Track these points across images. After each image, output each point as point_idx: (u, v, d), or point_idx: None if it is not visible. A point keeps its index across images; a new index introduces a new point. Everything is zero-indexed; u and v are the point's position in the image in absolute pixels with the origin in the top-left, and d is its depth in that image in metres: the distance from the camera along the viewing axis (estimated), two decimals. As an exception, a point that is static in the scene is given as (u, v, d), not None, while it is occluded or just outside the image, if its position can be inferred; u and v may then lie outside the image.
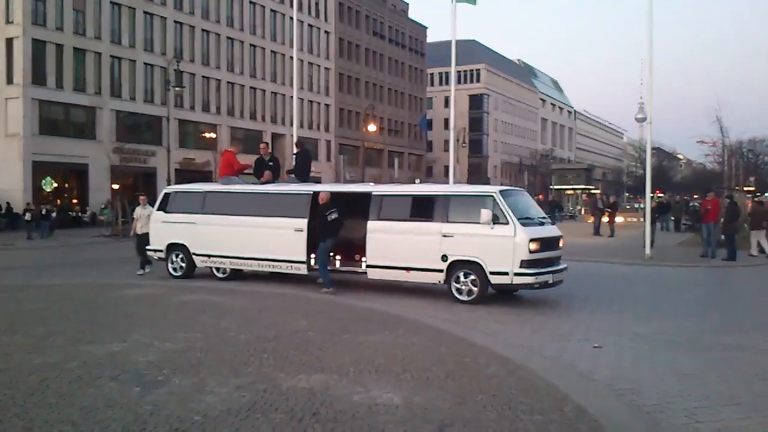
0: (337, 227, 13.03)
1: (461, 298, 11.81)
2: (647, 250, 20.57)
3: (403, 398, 5.88)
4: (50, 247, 27.22)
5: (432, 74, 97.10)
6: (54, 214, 40.39)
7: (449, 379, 6.55)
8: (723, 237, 20.90)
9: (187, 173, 46.27)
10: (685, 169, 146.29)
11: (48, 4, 42.77)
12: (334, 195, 13.52)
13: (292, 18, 37.50)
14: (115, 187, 44.37)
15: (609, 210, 32.24)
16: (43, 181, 40.42)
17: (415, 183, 54.28)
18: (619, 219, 32.61)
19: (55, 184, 42.91)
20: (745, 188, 59.92)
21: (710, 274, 17.72)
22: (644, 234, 21.61)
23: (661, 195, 56.00)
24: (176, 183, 35.33)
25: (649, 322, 10.39)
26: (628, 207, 71.60)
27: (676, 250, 23.30)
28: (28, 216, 32.11)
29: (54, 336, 8.44)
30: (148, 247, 15.61)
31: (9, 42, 41.68)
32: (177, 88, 37.73)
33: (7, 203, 36.48)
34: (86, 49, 45.05)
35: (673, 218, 34.98)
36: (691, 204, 41.43)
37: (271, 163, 15.44)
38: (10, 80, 41.65)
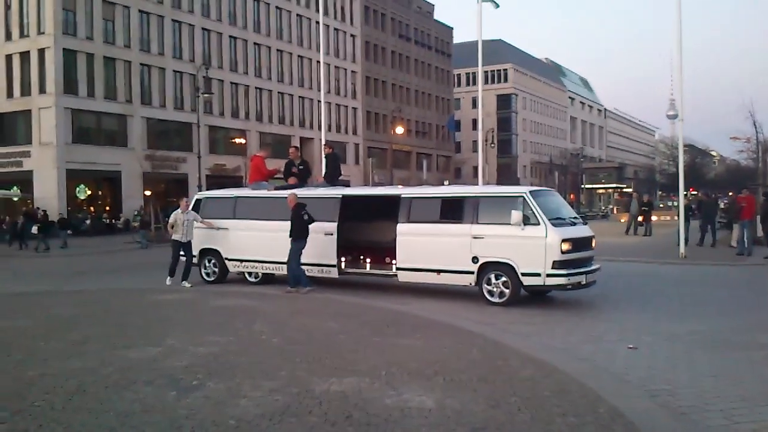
0: (307, 228, 13.07)
1: (493, 300, 11.75)
2: (682, 249, 20.27)
3: (436, 401, 5.87)
4: (81, 254, 27.61)
5: (459, 75, 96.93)
6: (88, 221, 41.14)
7: (482, 381, 6.52)
8: (763, 234, 20.49)
9: (218, 179, 46.73)
10: (718, 166, 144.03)
11: (78, 14, 43.55)
12: (353, 197, 13.66)
13: (318, 22, 37.78)
14: (147, 193, 44.96)
15: (645, 209, 31.87)
16: (77, 189, 41.11)
17: (443, 184, 54.17)
18: (653, 218, 32.17)
19: (89, 192, 43.63)
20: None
21: (747, 273, 17.38)
22: (678, 232, 21.31)
23: (695, 192, 55.16)
24: (207, 189, 35.70)
25: (684, 322, 10.23)
26: (661, 205, 70.70)
27: (711, 248, 22.92)
28: (35, 228, 29.52)
29: (90, 341, 8.57)
30: (182, 253, 15.63)
31: (41, 52, 42.50)
32: (206, 95, 38.20)
33: (44, 211, 37.00)
34: (116, 58, 45.77)
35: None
36: (724, 201, 40.59)
37: (301, 167, 15.52)
38: (42, 90, 42.46)
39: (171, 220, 14.87)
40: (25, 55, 43.29)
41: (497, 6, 23.57)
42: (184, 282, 14.58)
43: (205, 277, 15.21)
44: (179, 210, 14.86)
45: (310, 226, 13.10)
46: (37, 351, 8.13)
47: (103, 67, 44.83)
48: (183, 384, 6.48)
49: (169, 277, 14.77)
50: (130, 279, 17.20)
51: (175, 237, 14.72)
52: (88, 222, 41.24)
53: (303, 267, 13.34)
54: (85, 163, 42.51)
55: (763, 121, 59.30)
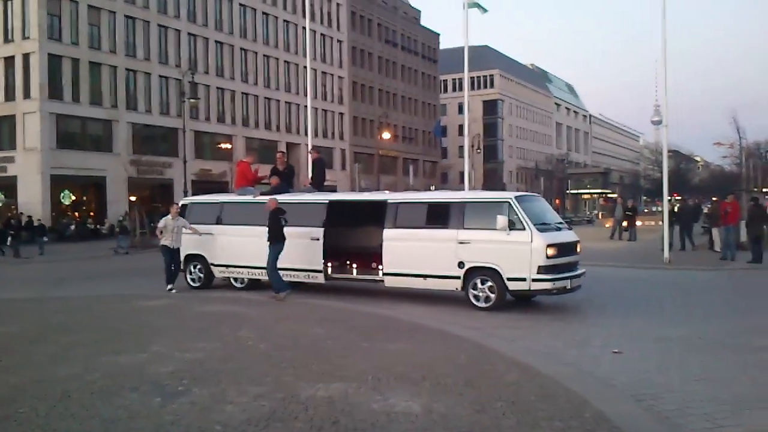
0: (283, 232, 13.10)
1: (479, 304, 11.78)
2: (666, 254, 20.42)
3: (423, 406, 5.88)
4: (59, 260, 27.42)
5: (445, 81, 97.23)
6: (72, 227, 40.83)
7: (468, 386, 6.54)
8: (747, 239, 20.72)
9: (203, 184, 46.59)
10: (702, 171, 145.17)
11: (63, 19, 43.31)
12: (339, 203, 13.71)
13: (304, 28, 37.76)
14: (133, 198, 44.74)
15: (629, 214, 32.06)
16: (62, 195, 40.82)
17: (430, 190, 54.22)
18: (637, 223, 32.38)
19: (74, 197, 43.33)
20: (764, 189, 59.33)
21: (731, 277, 17.54)
22: (662, 238, 21.47)
23: (679, 198, 55.60)
24: (193, 194, 35.56)
25: (670, 327, 10.30)
26: (646, 210, 71.04)
27: (695, 253, 23.10)
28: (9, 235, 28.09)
29: (75, 347, 8.53)
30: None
31: (26, 57, 42.22)
32: (192, 100, 38.03)
33: (29, 217, 36.72)
34: (102, 63, 45.54)
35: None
36: (707, 206, 40.87)
37: (286, 172, 15.53)
38: (27, 95, 42.17)
39: (160, 225, 14.68)
40: (9, 60, 42.98)
41: (485, 11, 23.59)
42: (170, 286, 14.46)
43: (191, 282, 15.16)
44: (169, 216, 14.71)
45: (297, 231, 13.09)
46: (21, 357, 8.08)
47: (88, 72, 44.58)
48: (168, 390, 6.46)
49: (169, 285, 14.46)
50: (110, 285, 17.03)
51: (164, 242, 14.51)
52: (72, 228, 40.93)
53: (288, 272, 13.34)
54: (69, 168, 42.22)
55: (746, 127, 59.83)
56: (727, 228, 20.94)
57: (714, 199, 44.70)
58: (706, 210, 32.56)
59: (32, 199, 40.88)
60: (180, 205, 15.47)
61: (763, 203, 24.25)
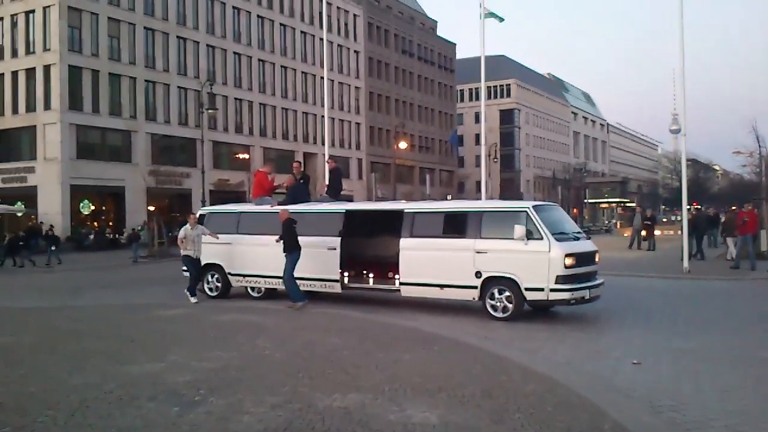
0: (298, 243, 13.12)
1: (496, 315, 11.71)
2: (685, 264, 20.22)
3: (439, 417, 5.84)
4: (71, 270, 27.62)
5: (462, 90, 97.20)
6: (91, 237, 41.16)
7: (485, 397, 6.49)
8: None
9: (221, 194, 46.84)
10: (721, 180, 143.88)
11: (84, 31, 43.83)
12: (356, 212, 13.71)
13: (321, 39, 37.88)
14: (151, 208, 45.03)
15: (648, 223, 31.81)
16: (81, 204, 41.18)
17: (447, 199, 54.14)
18: (656, 232, 32.11)
19: (93, 207, 43.70)
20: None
21: (751, 288, 17.33)
22: (682, 247, 21.26)
23: (699, 207, 55.05)
24: (211, 204, 35.75)
25: (689, 338, 10.19)
26: (665, 220, 70.50)
27: (715, 263, 22.86)
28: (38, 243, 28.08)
29: (92, 356, 8.57)
30: (184, 268, 15.63)
31: (46, 69, 42.75)
32: (210, 111, 38.31)
33: (51, 226, 36.98)
34: (121, 74, 46.01)
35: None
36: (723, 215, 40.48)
37: (302, 181, 15.61)
38: (47, 106, 42.66)
39: (180, 235, 14.55)
40: (30, 72, 43.53)
41: (501, 20, 23.64)
42: (194, 299, 14.31)
43: (208, 291, 15.20)
44: (188, 225, 14.57)
45: (314, 240, 13.11)
46: (39, 366, 8.13)
47: (108, 83, 45.05)
48: (185, 399, 6.47)
49: (192, 296, 14.25)
50: (127, 295, 17.07)
51: (186, 253, 14.39)
52: (91, 237, 41.26)
53: (305, 281, 13.35)
54: (89, 178, 42.61)
55: (766, 136, 59.11)
56: (744, 238, 20.70)
57: (733, 208, 44.18)
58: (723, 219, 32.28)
59: (52, 209, 41.28)
60: (198, 215, 15.47)
61: None
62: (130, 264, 28.96)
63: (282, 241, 13.07)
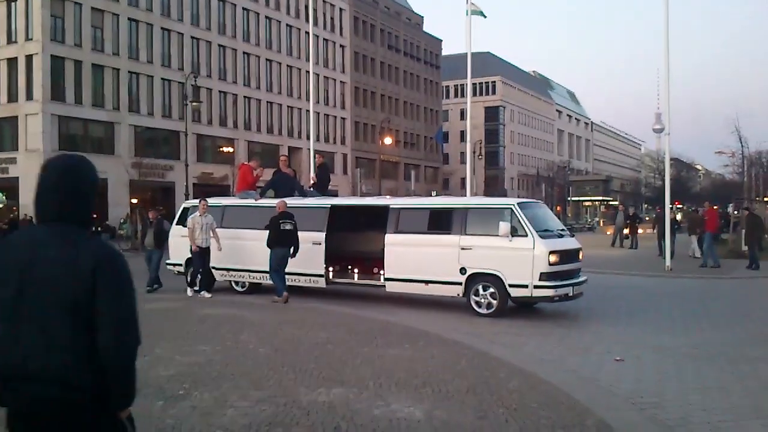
0: (288, 238, 12.84)
1: (481, 311, 11.75)
2: (667, 262, 20.41)
3: (424, 412, 5.85)
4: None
5: (447, 87, 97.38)
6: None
7: (470, 393, 6.51)
8: (748, 248, 21.26)
9: (205, 187, 46.58)
10: (704, 180, 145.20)
11: (66, 21, 43.39)
12: (341, 207, 13.60)
13: (307, 33, 37.85)
14: (134, 201, 44.74)
15: (630, 221, 32.06)
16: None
17: (431, 195, 54.22)
18: (639, 231, 32.37)
19: (75, 199, 43.30)
20: (765, 199, 59.26)
21: (731, 286, 17.52)
22: (664, 245, 21.50)
23: (680, 206, 55.52)
24: (194, 197, 35.54)
25: (671, 335, 10.28)
26: (647, 218, 71.07)
27: (696, 261, 23.07)
28: None
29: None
30: (169, 262, 15.52)
31: (28, 59, 42.30)
32: (194, 103, 38.10)
33: (31, 217, 36.57)
34: (104, 65, 45.62)
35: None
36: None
37: (288, 174, 15.57)
38: (29, 96, 42.24)
39: (189, 224, 13.86)
40: (12, 62, 43.08)
41: (485, 16, 23.70)
42: (203, 291, 13.94)
43: (191, 286, 15.09)
44: (197, 213, 13.92)
45: (299, 235, 13.02)
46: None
47: (91, 74, 44.66)
48: (169, 394, 6.44)
49: (205, 291, 13.92)
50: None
51: (197, 243, 13.68)
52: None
53: (290, 276, 13.27)
54: (71, 170, 42.21)
55: (748, 136, 59.78)
56: (707, 235, 21.53)
57: (693, 209, 44.40)
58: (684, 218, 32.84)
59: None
60: (205, 201, 14.98)
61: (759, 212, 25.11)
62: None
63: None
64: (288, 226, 12.86)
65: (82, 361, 2.53)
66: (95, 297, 2.54)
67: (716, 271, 20.07)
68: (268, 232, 12.89)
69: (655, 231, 27.95)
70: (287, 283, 13.25)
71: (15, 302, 2.56)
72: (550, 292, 11.35)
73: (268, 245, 12.87)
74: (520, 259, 11.33)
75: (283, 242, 12.86)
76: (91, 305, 2.53)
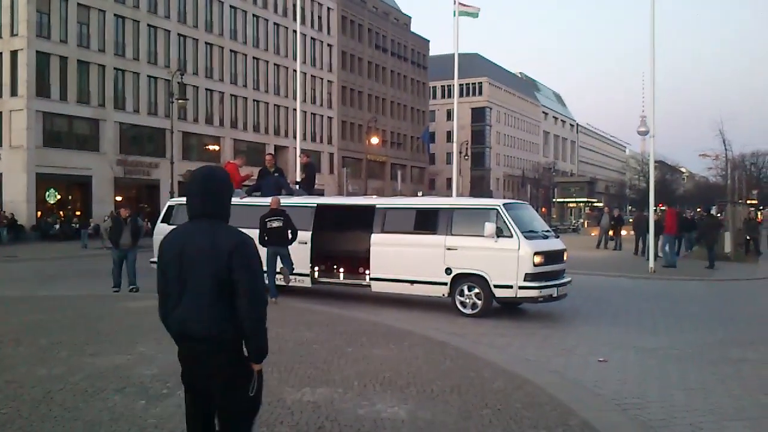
0: (275, 236, 12.71)
1: (465, 311, 11.79)
2: (651, 264, 20.55)
3: (408, 412, 5.86)
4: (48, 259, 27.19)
5: (434, 87, 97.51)
6: (57, 226, 40.52)
7: (454, 393, 6.53)
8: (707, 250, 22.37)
9: (190, 185, 46.24)
10: (687, 182, 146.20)
11: (52, 16, 42.97)
12: (327, 207, 13.57)
13: (295, 31, 37.75)
14: (119, 198, 44.41)
15: (615, 223, 32.25)
16: (47, 193, 40.50)
17: (417, 195, 54.18)
18: (623, 233, 32.59)
19: (59, 196, 42.98)
20: (748, 201, 59.79)
21: (714, 288, 17.67)
22: (648, 247, 21.66)
23: (664, 208, 55.83)
24: (179, 195, 35.35)
25: (654, 336, 10.36)
26: (631, 220, 71.62)
27: (679, 263, 23.25)
28: None
29: (58, 348, 8.43)
30: (153, 260, 15.41)
31: (13, 54, 41.84)
32: (180, 101, 37.83)
33: (11, 214, 36.49)
34: (90, 62, 45.21)
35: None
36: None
37: (276, 174, 15.48)
38: (14, 92, 41.79)
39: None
40: (-4, 57, 42.62)
41: (476, 16, 23.69)
42: None
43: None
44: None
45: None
46: (3, 357, 7.98)
47: (76, 70, 44.24)
48: (153, 392, 6.41)
49: None
50: (92, 285, 16.75)
51: None
52: (57, 227, 40.59)
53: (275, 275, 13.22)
54: (55, 167, 41.84)
55: (732, 139, 60.35)
56: (667, 237, 22.61)
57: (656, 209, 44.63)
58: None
59: (17, 198, 40.56)
60: (167, 206, 15.11)
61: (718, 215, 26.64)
62: (80, 249, 28.81)
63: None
64: (275, 224, 12.75)
65: (226, 321, 3.44)
66: (231, 273, 3.40)
67: (701, 273, 20.27)
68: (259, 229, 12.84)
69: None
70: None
71: (178, 280, 3.55)
72: (534, 293, 11.42)
73: (260, 244, 12.81)
74: (505, 259, 11.38)
75: (270, 240, 12.78)
76: (230, 279, 3.40)
